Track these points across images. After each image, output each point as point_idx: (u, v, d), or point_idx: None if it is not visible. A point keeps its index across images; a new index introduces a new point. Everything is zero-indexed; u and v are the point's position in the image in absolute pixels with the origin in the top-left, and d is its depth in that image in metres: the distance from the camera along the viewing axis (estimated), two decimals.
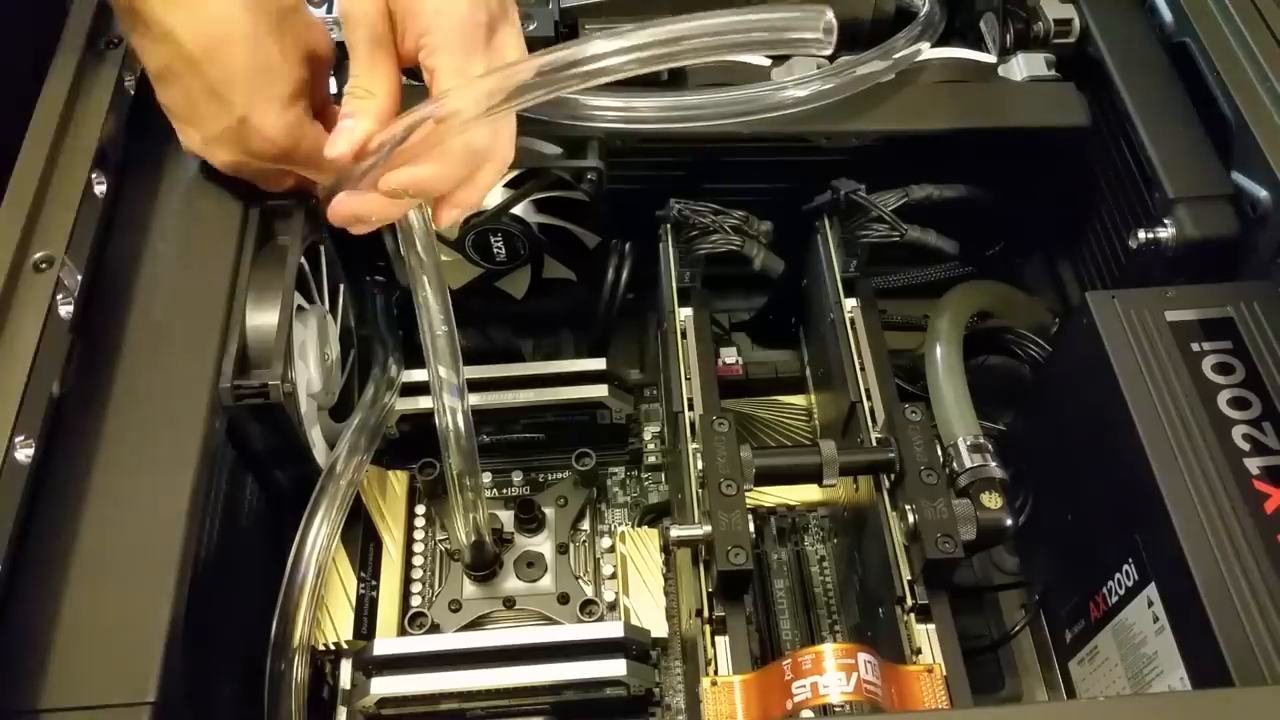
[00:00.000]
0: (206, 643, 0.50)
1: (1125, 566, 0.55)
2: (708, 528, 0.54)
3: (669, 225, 0.71)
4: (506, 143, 0.51)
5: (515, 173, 0.69)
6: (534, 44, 0.72)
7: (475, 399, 0.68)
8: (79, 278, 0.52)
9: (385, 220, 0.51)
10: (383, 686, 0.57)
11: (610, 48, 0.44)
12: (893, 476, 0.57)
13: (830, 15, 0.44)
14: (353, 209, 0.49)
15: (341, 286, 0.68)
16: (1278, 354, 0.55)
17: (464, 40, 0.48)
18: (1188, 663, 0.50)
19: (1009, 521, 0.57)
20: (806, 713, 0.48)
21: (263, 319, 0.56)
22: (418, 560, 0.67)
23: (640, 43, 0.44)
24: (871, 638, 0.59)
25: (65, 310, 0.51)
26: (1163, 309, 0.57)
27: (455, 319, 0.55)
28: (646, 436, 0.75)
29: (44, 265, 0.51)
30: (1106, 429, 0.56)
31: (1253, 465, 0.52)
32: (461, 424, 0.56)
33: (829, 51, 0.46)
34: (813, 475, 0.58)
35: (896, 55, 0.68)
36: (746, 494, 0.55)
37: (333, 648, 0.61)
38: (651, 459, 0.74)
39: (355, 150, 0.48)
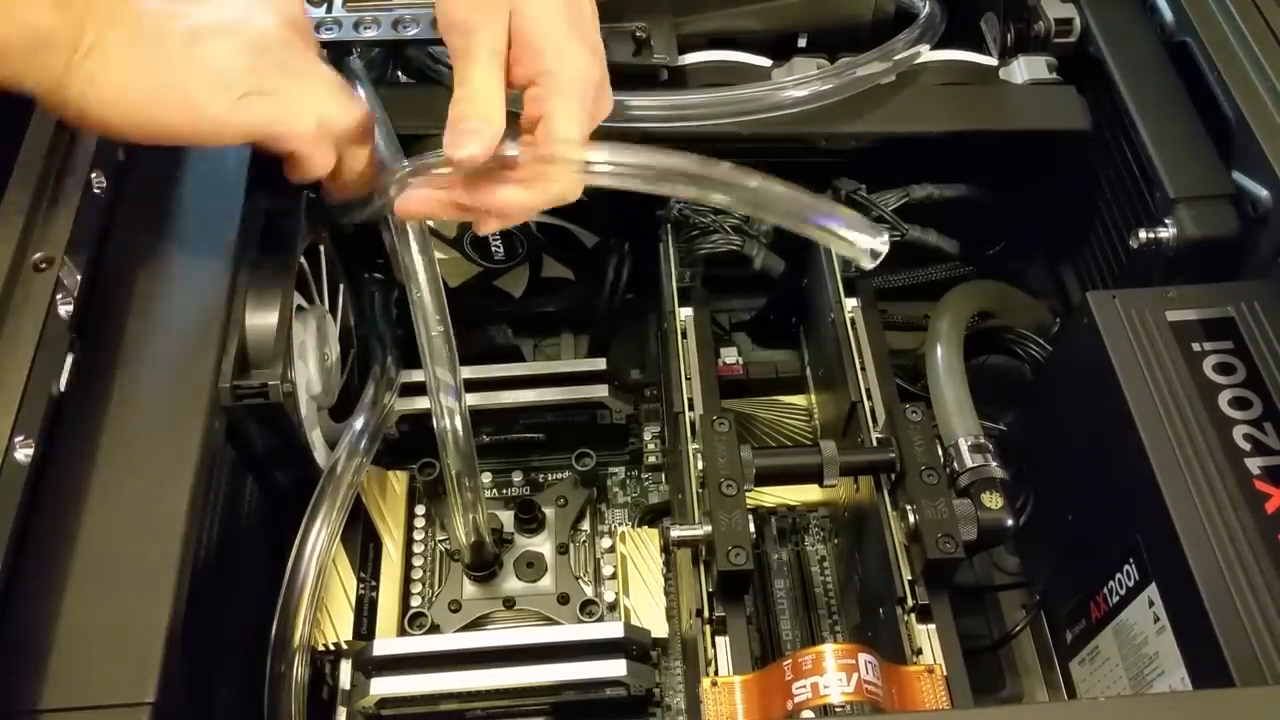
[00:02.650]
0: (206, 643, 0.50)
1: (1126, 566, 0.55)
2: (708, 528, 0.54)
3: (669, 225, 0.71)
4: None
5: None
6: None
7: (475, 399, 0.68)
8: (79, 277, 0.52)
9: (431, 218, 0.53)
10: (382, 687, 0.57)
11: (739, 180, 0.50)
12: (893, 476, 0.57)
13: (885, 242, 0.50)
14: (427, 209, 0.52)
15: (341, 286, 0.68)
16: (1278, 354, 0.55)
17: (582, 92, 0.49)
18: (1188, 663, 0.50)
19: (1010, 521, 0.56)
20: (807, 713, 0.48)
21: (262, 319, 0.55)
22: (418, 560, 0.67)
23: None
24: (872, 638, 0.59)
25: (65, 310, 0.51)
26: (1163, 309, 0.57)
27: (453, 318, 0.55)
28: (646, 437, 0.75)
29: (44, 265, 0.51)
30: (1107, 429, 0.56)
31: (1253, 465, 0.52)
32: (459, 425, 0.56)
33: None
34: (813, 475, 0.58)
35: (897, 57, 0.68)
36: (747, 494, 0.55)
37: (332, 648, 0.61)
38: (652, 459, 0.74)
39: (486, 153, 0.48)
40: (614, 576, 0.66)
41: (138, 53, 0.44)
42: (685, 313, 0.68)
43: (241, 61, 0.47)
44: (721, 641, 0.54)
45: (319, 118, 0.49)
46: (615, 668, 0.57)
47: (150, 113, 0.45)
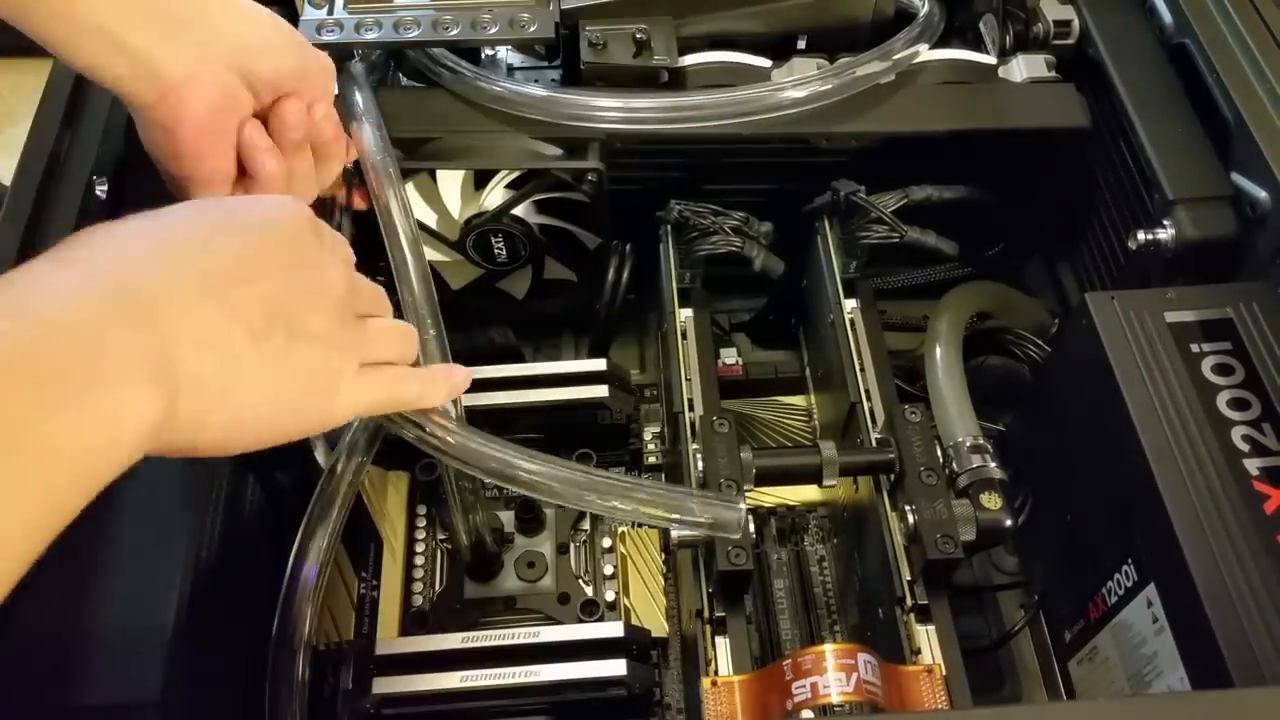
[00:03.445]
0: (208, 642, 0.50)
1: (1124, 567, 0.55)
2: None
3: (669, 226, 0.71)
4: None
5: (516, 174, 0.69)
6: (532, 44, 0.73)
7: (476, 399, 0.68)
8: None
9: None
10: (384, 686, 0.57)
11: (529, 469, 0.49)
12: (892, 477, 0.57)
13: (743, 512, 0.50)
14: None
15: None
16: (1277, 355, 0.55)
17: None
18: (1187, 663, 0.50)
19: (1008, 522, 0.57)
20: (806, 713, 0.48)
21: None
22: (419, 560, 0.67)
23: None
24: (871, 638, 0.59)
25: None
26: (1162, 310, 0.57)
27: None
28: (647, 437, 0.75)
29: None
30: (1106, 430, 0.56)
31: (1252, 466, 0.52)
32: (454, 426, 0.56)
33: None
34: (813, 476, 0.58)
35: (896, 56, 0.68)
36: (746, 494, 0.55)
37: (334, 647, 0.61)
38: (652, 459, 0.74)
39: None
40: (614, 576, 0.66)
41: (241, 373, 0.37)
42: (685, 313, 0.69)
43: (339, 337, 0.42)
44: (721, 641, 0.54)
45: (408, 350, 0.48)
46: (615, 667, 0.57)
47: (275, 428, 0.40)
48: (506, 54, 0.76)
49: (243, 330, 0.37)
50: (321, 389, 0.41)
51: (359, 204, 0.60)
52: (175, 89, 0.45)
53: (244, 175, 0.49)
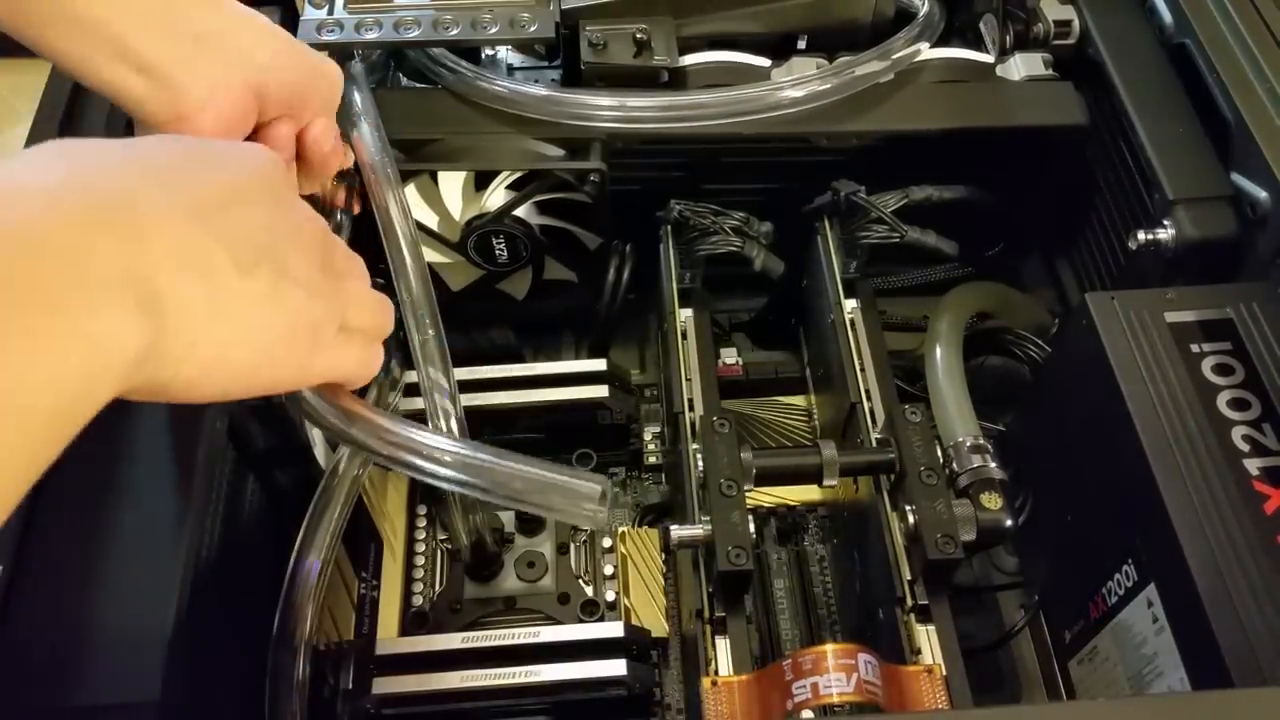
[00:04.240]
0: (208, 642, 0.50)
1: (1125, 567, 0.55)
2: (708, 528, 0.54)
3: (669, 226, 0.71)
4: None
5: (518, 174, 0.69)
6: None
7: (476, 399, 0.68)
8: None
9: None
10: (384, 686, 0.57)
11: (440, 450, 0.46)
12: (893, 477, 0.57)
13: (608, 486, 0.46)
14: None
15: None
16: (1277, 355, 0.55)
17: None
18: (1187, 663, 0.50)
19: (1009, 522, 0.57)
20: (807, 713, 0.48)
21: None
22: (419, 560, 0.67)
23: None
24: (871, 638, 0.59)
25: None
26: (1162, 310, 0.57)
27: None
28: (647, 437, 0.75)
29: None
30: (1106, 430, 0.56)
31: (1252, 466, 0.52)
32: (455, 427, 0.56)
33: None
34: (813, 476, 0.58)
35: (895, 55, 0.68)
36: (747, 494, 0.56)
37: (334, 647, 0.61)
38: (652, 459, 0.74)
39: None
40: (614, 576, 0.66)
41: (227, 307, 0.34)
42: (685, 314, 0.69)
43: (322, 286, 0.40)
44: (721, 641, 0.54)
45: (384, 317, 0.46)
46: (615, 667, 0.57)
47: (252, 377, 0.37)
48: (506, 54, 0.76)
49: (230, 260, 0.34)
50: (303, 340, 0.39)
51: (356, 207, 0.60)
52: (193, 111, 0.44)
53: None
